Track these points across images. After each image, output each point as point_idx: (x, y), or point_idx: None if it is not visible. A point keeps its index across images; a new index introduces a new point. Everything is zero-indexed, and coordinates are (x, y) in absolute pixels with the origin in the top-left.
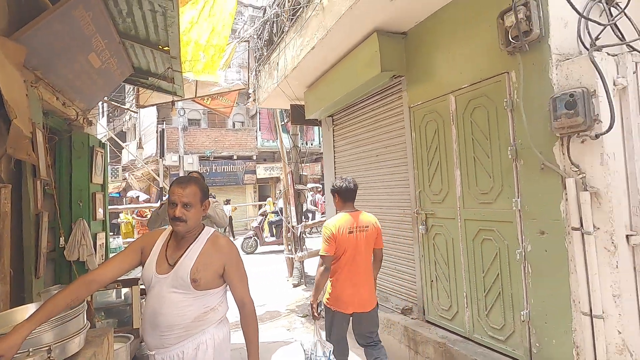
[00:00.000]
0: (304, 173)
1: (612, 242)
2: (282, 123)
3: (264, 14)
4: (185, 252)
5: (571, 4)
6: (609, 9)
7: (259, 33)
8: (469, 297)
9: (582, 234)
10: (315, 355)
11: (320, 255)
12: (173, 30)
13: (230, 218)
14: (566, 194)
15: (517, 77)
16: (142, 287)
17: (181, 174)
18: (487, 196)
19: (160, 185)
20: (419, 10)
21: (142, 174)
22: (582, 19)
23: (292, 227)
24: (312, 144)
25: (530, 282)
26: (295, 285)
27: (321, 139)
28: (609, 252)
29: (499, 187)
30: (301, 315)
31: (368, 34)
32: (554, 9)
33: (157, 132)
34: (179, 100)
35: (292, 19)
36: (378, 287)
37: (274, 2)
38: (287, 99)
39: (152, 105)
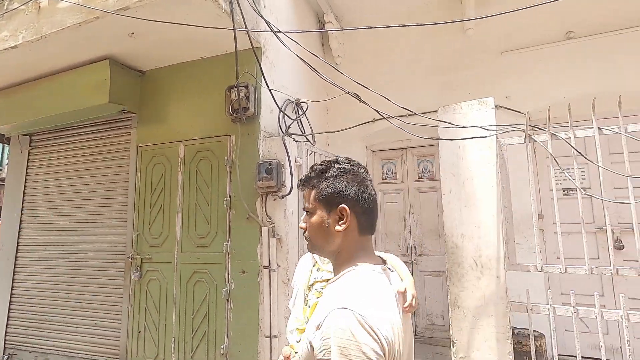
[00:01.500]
0: None
1: (287, 276)
2: None
3: None
4: None
5: (274, 99)
6: (298, 109)
7: None
8: (177, 341)
9: (270, 271)
10: None
11: None
12: None
13: None
14: (262, 239)
15: (236, 141)
16: None
17: None
18: (204, 240)
19: None
20: (159, 55)
21: None
22: (280, 111)
23: None
24: None
25: (232, 316)
26: None
27: (6, 161)
28: (284, 284)
29: (215, 233)
30: None
31: (99, 58)
32: (265, 98)
33: None
34: None
35: None
36: (64, 350)
37: None
38: None
39: None
